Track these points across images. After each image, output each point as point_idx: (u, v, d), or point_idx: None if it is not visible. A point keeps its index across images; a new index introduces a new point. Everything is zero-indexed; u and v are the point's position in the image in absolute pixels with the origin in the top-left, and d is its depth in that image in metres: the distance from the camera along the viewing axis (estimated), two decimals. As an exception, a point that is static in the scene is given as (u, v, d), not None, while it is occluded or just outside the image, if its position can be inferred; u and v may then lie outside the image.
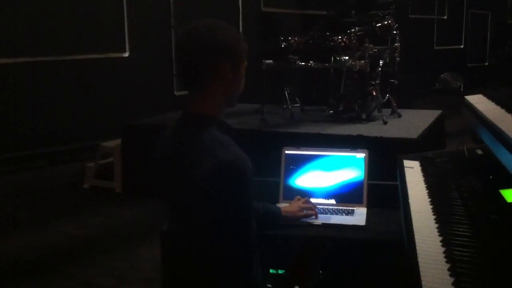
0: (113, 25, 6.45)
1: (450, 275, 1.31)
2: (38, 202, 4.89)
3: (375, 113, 4.65)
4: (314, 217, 2.31)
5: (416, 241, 1.51)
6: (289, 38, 4.92)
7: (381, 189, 2.48)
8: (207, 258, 1.72)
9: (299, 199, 2.36)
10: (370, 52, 4.63)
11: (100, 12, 6.30)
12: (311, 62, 4.77)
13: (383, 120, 4.48)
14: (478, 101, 2.35)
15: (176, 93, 7.11)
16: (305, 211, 2.30)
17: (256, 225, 1.82)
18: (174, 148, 1.74)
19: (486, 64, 13.10)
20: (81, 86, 6.21)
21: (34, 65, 5.81)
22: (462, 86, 11.13)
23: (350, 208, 2.39)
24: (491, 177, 1.86)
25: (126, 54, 6.59)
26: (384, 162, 2.61)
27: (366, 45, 4.58)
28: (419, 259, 1.40)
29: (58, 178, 5.56)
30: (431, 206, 1.76)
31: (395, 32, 4.85)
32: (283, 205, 2.35)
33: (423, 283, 1.29)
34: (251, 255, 1.67)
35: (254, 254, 1.69)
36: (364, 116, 4.60)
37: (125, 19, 6.53)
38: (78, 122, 6.18)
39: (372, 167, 2.46)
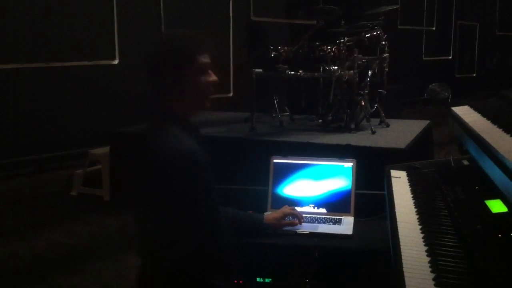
0: (103, 32, 6.44)
1: (435, 285, 1.32)
2: (25, 209, 4.84)
3: (364, 122, 4.67)
4: (299, 225, 2.31)
5: (402, 250, 1.52)
6: (279, 47, 4.94)
7: (368, 199, 2.49)
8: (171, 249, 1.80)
9: (286, 208, 2.37)
10: (359, 62, 4.66)
11: (89, 18, 6.28)
12: (300, 71, 4.79)
13: (371, 129, 4.50)
14: (464, 112, 2.37)
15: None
16: (288, 218, 2.30)
17: (237, 232, 2.01)
18: (143, 147, 1.89)
19: (474, 75, 13.22)
20: (70, 93, 6.18)
21: (22, 72, 5.76)
22: (450, 97, 11.22)
23: (338, 217, 2.40)
24: (477, 187, 1.88)
25: (116, 61, 6.57)
26: (372, 171, 2.62)
27: (355, 55, 4.61)
28: (405, 269, 1.41)
29: (46, 186, 5.51)
30: (417, 216, 1.77)
31: (384, 42, 4.88)
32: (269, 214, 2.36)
33: (408, 293, 1.30)
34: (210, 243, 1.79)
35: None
36: (352, 126, 4.62)
37: (115, 26, 6.52)
38: (67, 129, 6.14)
39: (360, 176, 2.48)
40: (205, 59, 1.88)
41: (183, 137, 1.82)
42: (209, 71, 1.90)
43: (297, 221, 2.31)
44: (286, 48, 4.96)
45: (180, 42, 1.89)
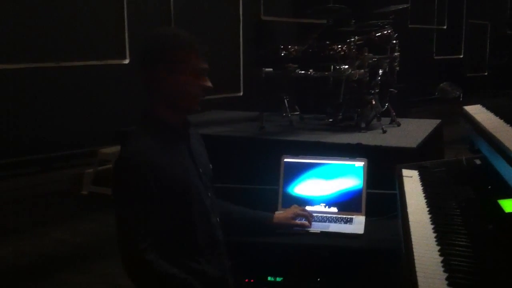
0: (114, 31, 6.46)
1: (448, 285, 1.31)
2: (33, 208, 4.86)
3: (374, 122, 4.65)
4: (308, 225, 2.30)
5: (414, 250, 1.51)
6: (289, 46, 4.93)
7: (380, 198, 2.48)
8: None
9: (296, 207, 2.36)
10: (370, 61, 4.64)
11: (100, 18, 6.31)
12: (310, 70, 4.77)
13: (382, 129, 4.48)
14: (477, 111, 2.36)
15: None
16: (298, 219, 2.30)
17: (244, 230, 2.07)
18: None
19: (485, 74, 13.14)
20: (81, 92, 6.21)
21: (32, 71, 5.80)
22: (461, 96, 11.17)
23: (349, 216, 2.39)
24: (489, 187, 1.87)
25: (127, 61, 6.59)
26: (383, 171, 2.61)
27: (366, 54, 4.59)
28: (417, 269, 1.40)
29: (55, 184, 5.54)
30: (429, 216, 1.76)
31: (394, 41, 4.86)
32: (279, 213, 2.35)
33: (421, 293, 1.29)
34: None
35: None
36: (363, 125, 4.61)
37: (126, 25, 6.54)
38: (77, 129, 6.17)
39: (371, 176, 2.47)
40: (177, 57, 1.79)
41: (144, 140, 1.78)
42: (187, 71, 1.80)
43: (307, 223, 2.29)
44: (296, 47, 4.94)
45: (151, 42, 1.84)
